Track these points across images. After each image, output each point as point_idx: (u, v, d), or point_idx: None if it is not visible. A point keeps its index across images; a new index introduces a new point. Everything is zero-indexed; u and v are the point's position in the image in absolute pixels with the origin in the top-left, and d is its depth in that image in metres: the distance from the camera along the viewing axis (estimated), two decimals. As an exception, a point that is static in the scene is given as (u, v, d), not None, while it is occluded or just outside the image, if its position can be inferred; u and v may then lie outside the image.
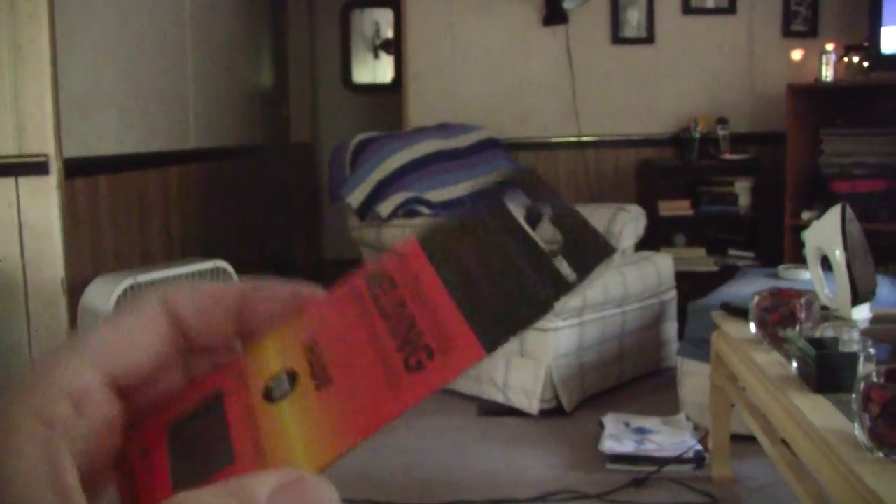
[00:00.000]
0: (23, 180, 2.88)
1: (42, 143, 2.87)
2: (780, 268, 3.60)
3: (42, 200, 2.90)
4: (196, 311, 0.31)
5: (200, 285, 0.31)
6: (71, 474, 0.27)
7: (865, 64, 4.51)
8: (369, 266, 0.33)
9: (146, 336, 0.30)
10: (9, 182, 2.88)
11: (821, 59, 4.59)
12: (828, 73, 4.58)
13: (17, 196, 2.89)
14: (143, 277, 2.99)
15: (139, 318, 0.30)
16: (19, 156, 2.87)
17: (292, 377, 0.31)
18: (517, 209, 0.32)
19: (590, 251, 0.31)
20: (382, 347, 0.30)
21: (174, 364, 0.31)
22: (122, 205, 3.42)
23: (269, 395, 0.31)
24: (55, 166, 2.88)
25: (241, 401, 0.31)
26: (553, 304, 0.30)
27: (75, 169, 3.03)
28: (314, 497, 0.27)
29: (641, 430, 3.21)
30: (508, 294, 0.30)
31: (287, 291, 0.32)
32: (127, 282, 2.92)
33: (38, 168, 2.87)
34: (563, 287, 0.31)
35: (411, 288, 0.31)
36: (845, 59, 4.60)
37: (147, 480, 0.30)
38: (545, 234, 0.32)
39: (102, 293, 2.90)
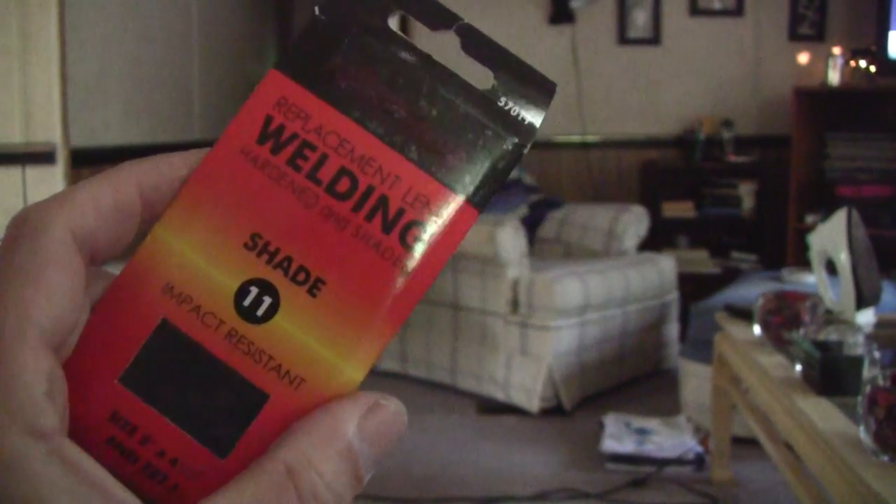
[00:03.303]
0: (30, 169, 2.88)
1: (49, 132, 2.87)
2: (784, 271, 3.60)
3: (48, 190, 2.89)
4: (106, 236, 0.27)
5: (98, 197, 0.27)
6: (93, 466, 0.25)
7: (872, 68, 4.51)
8: (244, 122, 0.29)
9: (77, 296, 0.26)
10: (16, 171, 2.88)
11: (827, 63, 4.59)
12: (834, 78, 4.58)
13: (24, 185, 2.89)
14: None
15: (65, 276, 0.26)
16: (26, 145, 2.87)
17: (267, 288, 0.28)
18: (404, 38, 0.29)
19: (530, 89, 0.29)
20: (361, 233, 0.28)
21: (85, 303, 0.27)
22: (126, 196, 3.42)
23: (248, 315, 0.27)
24: (62, 156, 2.88)
25: (207, 328, 0.27)
26: (522, 150, 0.29)
27: (81, 159, 3.03)
28: (394, 414, 0.27)
29: (642, 431, 3.21)
30: (468, 144, 0.28)
31: (180, 162, 0.29)
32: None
33: (44, 157, 2.87)
34: (521, 131, 0.29)
35: (343, 151, 0.28)
36: (852, 64, 4.60)
37: (159, 460, 0.27)
38: (468, 70, 0.29)
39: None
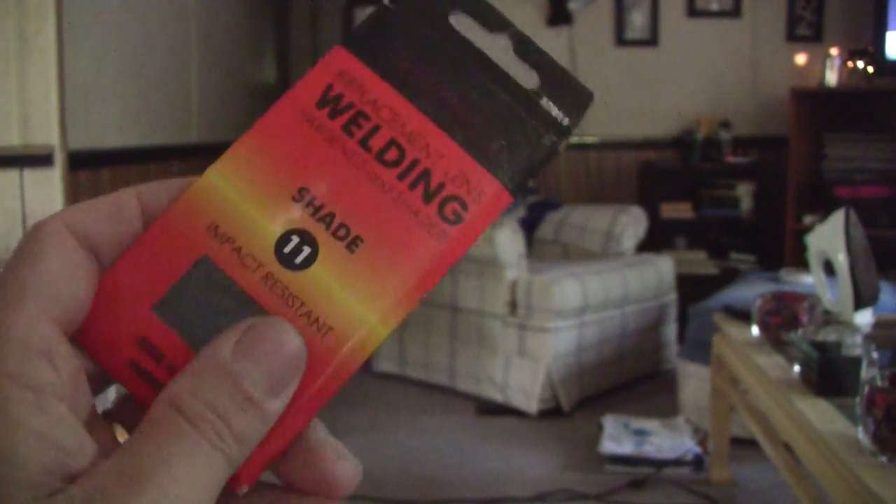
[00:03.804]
0: (27, 172, 2.88)
1: (47, 134, 2.87)
2: (782, 271, 3.60)
3: (46, 192, 2.89)
4: (100, 225, 0.29)
5: (96, 203, 0.30)
6: (82, 430, 0.26)
7: (870, 69, 4.51)
8: (307, 86, 0.31)
9: (75, 273, 0.28)
10: (13, 173, 2.88)
11: (825, 64, 4.59)
12: (832, 78, 4.58)
13: (22, 187, 2.88)
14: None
15: (60, 255, 0.28)
16: (24, 147, 2.86)
17: (308, 239, 0.29)
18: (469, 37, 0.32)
19: (570, 95, 0.32)
20: (403, 199, 0.30)
21: (95, 281, 0.29)
22: (124, 198, 3.42)
23: (287, 262, 0.29)
24: (60, 158, 2.88)
25: (245, 269, 0.29)
26: (557, 148, 0.31)
27: (79, 161, 3.02)
28: (270, 326, 0.27)
29: (640, 432, 3.21)
30: (511, 136, 0.31)
31: (179, 181, 0.31)
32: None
33: (42, 160, 2.86)
34: (560, 131, 0.31)
35: (394, 125, 0.31)
36: (849, 64, 4.60)
37: (159, 367, 0.29)
38: (516, 71, 0.32)
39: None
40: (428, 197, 0.30)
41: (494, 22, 0.33)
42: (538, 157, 0.31)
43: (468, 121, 0.31)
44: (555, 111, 0.31)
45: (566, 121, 0.31)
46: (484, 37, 0.32)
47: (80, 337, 0.28)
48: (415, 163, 0.30)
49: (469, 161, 0.30)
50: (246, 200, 0.30)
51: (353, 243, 0.29)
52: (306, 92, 0.31)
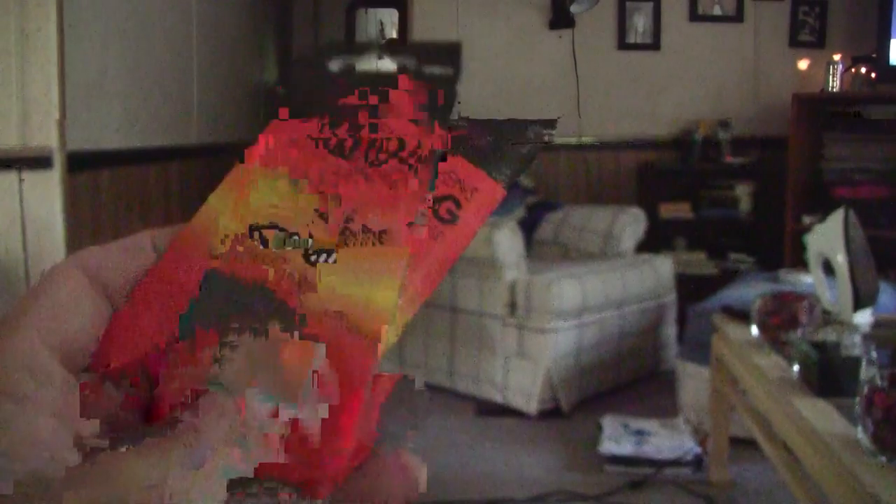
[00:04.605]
0: (27, 174, 2.88)
1: (46, 136, 2.87)
2: (781, 272, 3.60)
3: (45, 194, 2.89)
4: (110, 267, 0.30)
5: (110, 246, 0.31)
6: (63, 440, 0.27)
7: (873, 75, 4.51)
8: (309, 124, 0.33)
9: (80, 307, 0.29)
10: (12, 175, 2.88)
11: (828, 70, 4.59)
12: (834, 84, 4.58)
13: (21, 189, 2.89)
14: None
15: (66, 290, 0.29)
16: (23, 149, 2.87)
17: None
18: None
19: (439, 54, 0.35)
20: (405, 205, 0.31)
21: (107, 318, 0.30)
22: (123, 199, 3.42)
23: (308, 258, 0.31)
24: (58, 160, 2.88)
25: (249, 266, 0.30)
26: (542, 140, 0.34)
27: (78, 163, 3.02)
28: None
29: (640, 432, 3.20)
30: (497, 136, 0.34)
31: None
32: (129, 275, 2.92)
33: (41, 162, 2.86)
34: (545, 125, 0.34)
35: (380, 139, 0.32)
36: (852, 70, 4.60)
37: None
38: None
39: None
40: (423, 198, 0.31)
41: (359, 49, 0.35)
42: (527, 150, 0.34)
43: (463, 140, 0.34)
44: (436, 69, 0.34)
45: (448, 70, 0.35)
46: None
47: (95, 363, 0.29)
48: (401, 143, 0.32)
49: (459, 160, 0.32)
50: (243, 206, 0.31)
51: (378, 237, 0.31)
52: (307, 127, 0.33)
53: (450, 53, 0.36)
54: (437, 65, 0.35)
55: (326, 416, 0.28)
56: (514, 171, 0.33)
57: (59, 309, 0.29)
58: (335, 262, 0.30)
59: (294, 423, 0.28)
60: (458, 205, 0.32)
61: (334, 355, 0.29)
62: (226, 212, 0.31)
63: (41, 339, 0.28)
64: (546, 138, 0.34)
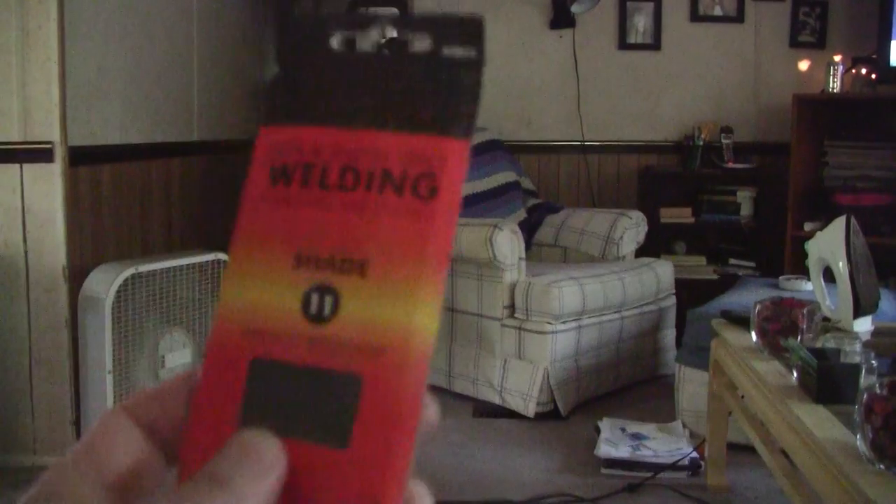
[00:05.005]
0: (27, 167, 2.88)
1: (47, 130, 2.87)
2: (781, 278, 3.60)
3: (46, 188, 2.89)
4: (155, 410, 0.32)
5: (156, 387, 0.33)
6: None
7: (873, 76, 4.51)
8: (255, 178, 0.33)
9: (123, 445, 0.31)
10: (13, 168, 2.87)
11: (828, 71, 4.59)
12: (835, 85, 4.58)
13: (22, 182, 2.88)
14: (145, 267, 2.99)
15: (111, 431, 0.31)
16: (24, 142, 2.86)
17: (325, 288, 0.31)
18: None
19: (462, 30, 0.33)
20: (380, 206, 0.31)
21: (158, 461, 0.32)
22: (124, 195, 3.42)
23: (318, 318, 0.31)
24: (60, 154, 2.88)
25: (290, 346, 0.31)
26: (480, 80, 0.32)
27: (79, 157, 3.02)
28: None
29: (637, 436, 3.20)
30: (435, 95, 0.32)
31: None
32: (128, 271, 2.92)
33: (42, 155, 2.86)
34: (472, 64, 0.32)
35: (339, 155, 0.32)
36: (853, 71, 4.60)
37: None
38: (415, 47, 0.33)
39: (103, 282, 2.89)
40: (399, 189, 0.31)
41: (362, 23, 0.33)
42: (469, 97, 0.32)
43: (389, 107, 0.32)
44: (458, 52, 0.32)
45: (472, 53, 0.32)
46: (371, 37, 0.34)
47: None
48: (371, 172, 0.31)
49: (414, 138, 0.31)
50: (257, 292, 0.31)
51: (362, 268, 0.30)
52: (257, 182, 0.33)
53: (472, 30, 0.33)
54: (457, 44, 0.33)
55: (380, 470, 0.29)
56: (471, 121, 0.32)
57: (102, 448, 0.31)
58: (369, 295, 0.30)
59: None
60: (433, 177, 0.31)
61: (381, 403, 0.29)
62: (249, 298, 0.32)
63: (85, 476, 0.30)
64: (472, 55, 0.32)
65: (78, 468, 0.30)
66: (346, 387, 0.30)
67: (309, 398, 0.30)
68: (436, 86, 0.32)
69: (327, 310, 0.30)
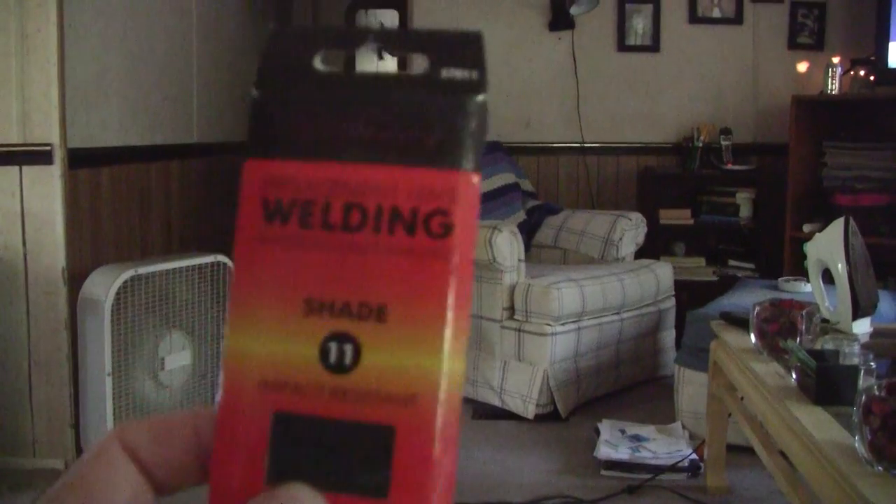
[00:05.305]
0: (26, 169, 2.88)
1: (47, 132, 2.87)
2: (780, 280, 3.60)
3: (45, 190, 2.89)
4: (151, 445, 0.31)
5: (154, 418, 0.31)
6: None
7: (871, 78, 4.51)
8: (246, 215, 0.30)
9: (114, 480, 0.30)
10: (12, 170, 2.88)
11: (826, 72, 4.60)
12: (833, 86, 4.58)
13: (21, 184, 2.88)
14: (144, 269, 2.99)
15: (103, 466, 0.30)
16: (23, 144, 2.86)
17: (343, 337, 0.29)
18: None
19: (461, 50, 0.31)
20: (393, 247, 0.29)
21: (148, 499, 0.31)
22: (123, 197, 3.42)
23: (339, 368, 0.29)
24: (59, 156, 2.88)
25: (313, 399, 0.29)
26: (485, 104, 0.30)
27: (78, 159, 3.02)
28: (289, 491, 0.29)
29: (637, 438, 3.20)
30: (438, 122, 0.30)
31: None
32: (127, 273, 2.92)
33: (42, 157, 2.86)
34: (475, 87, 0.30)
35: (340, 191, 0.30)
36: (851, 73, 4.60)
37: None
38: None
39: (103, 284, 2.89)
40: (410, 229, 0.29)
41: (352, 40, 0.31)
42: (474, 123, 0.30)
43: (393, 137, 0.30)
44: (458, 73, 0.30)
45: (473, 74, 0.30)
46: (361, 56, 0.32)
47: None
48: (379, 209, 0.29)
49: (421, 172, 0.29)
50: (270, 342, 0.30)
51: (380, 314, 0.29)
52: (250, 220, 0.30)
53: (472, 48, 0.31)
54: (457, 65, 0.30)
55: None
56: (478, 150, 0.30)
57: (94, 482, 0.30)
58: (392, 341, 0.29)
59: None
60: (445, 213, 0.29)
61: (417, 451, 0.28)
62: (261, 348, 0.30)
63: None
64: (475, 76, 0.30)
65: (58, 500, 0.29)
66: (379, 437, 0.29)
67: (341, 450, 0.29)
68: (440, 112, 0.30)
69: (348, 359, 0.29)
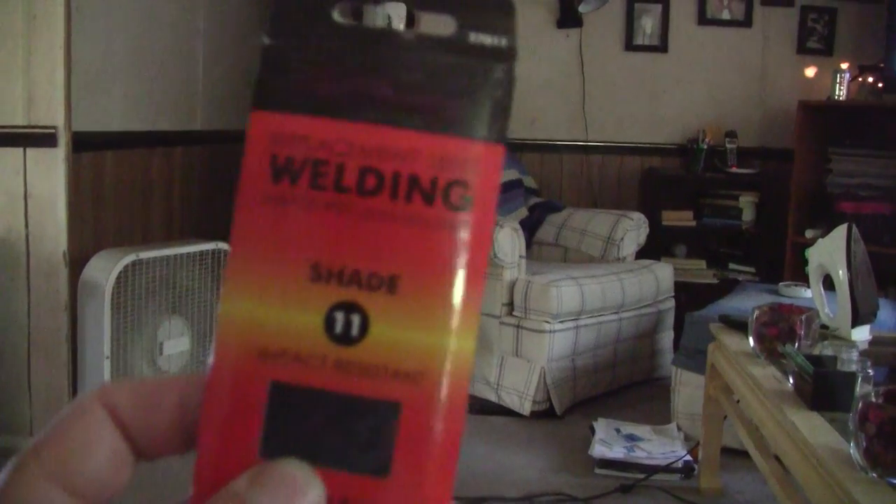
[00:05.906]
0: (31, 151, 2.88)
1: (52, 115, 2.87)
2: (781, 284, 3.60)
3: (48, 172, 2.89)
4: (135, 409, 0.29)
5: (140, 382, 0.30)
6: None
7: (879, 85, 4.51)
8: (252, 171, 0.28)
9: (94, 443, 0.28)
10: (17, 152, 2.88)
11: (834, 78, 4.58)
12: (841, 93, 4.57)
13: (25, 166, 2.88)
14: (145, 254, 2.99)
15: (82, 426, 0.28)
16: (28, 126, 2.86)
17: (351, 307, 0.27)
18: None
19: (491, 15, 0.29)
20: (408, 216, 0.28)
21: (128, 463, 0.29)
22: (126, 182, 3.42)
23: (345, 340, 0.28)
24: (63, 139, 2.88)
25: (315, 370, 0.28)
26: (513, 73, 0.29)
27: (82, 143, 3.02)
28: (283, 468, 0.27)
29: (632, 437, 3.21)
30: (463, 88, 0.28)
31: None
32: (128, 258, 2.92)
33: (46, 140, 2.86)
34: (504, 55, 0.29)
35: (356, 152, 0.28)
36: (859, 79, 4.59)
37: None
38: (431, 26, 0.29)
39: (104, 268, 2.89)
40: (429, 198, 0.28)
41: None
42: (499, 92, 0.28)
43: (415, 102, 0.28)
44: (487, 39, 0.28)
45: (503, 41, 0.29)
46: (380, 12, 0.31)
47: None
48: (397, 175, 0.28)
49: (443, 140, 0.28)
50: (270, 308, 0.28)
51: (391, 285, 0.27)
52: (256, 176, 0.28)
53: (503, 14, 0.29)
54: (487, 31, 0.28)
55: None
56: (503, 121, 0.28)
57: (72, 444, 0.28)
58: (401, 314, 0.28)
59: None
60: (466, 186, 0.28)
61: (422, 430, 0.28)
62: (260, 314, 0.28)
63: (49, 476, 0.27)
64: (505, 43, 0.28)
65: (44, 467, 0.27)
66: (383, 413, 0.27)
67: (342, 425, 0.27)
68: (468, 78, 0.28)
69: (355, 330, 0.27)
